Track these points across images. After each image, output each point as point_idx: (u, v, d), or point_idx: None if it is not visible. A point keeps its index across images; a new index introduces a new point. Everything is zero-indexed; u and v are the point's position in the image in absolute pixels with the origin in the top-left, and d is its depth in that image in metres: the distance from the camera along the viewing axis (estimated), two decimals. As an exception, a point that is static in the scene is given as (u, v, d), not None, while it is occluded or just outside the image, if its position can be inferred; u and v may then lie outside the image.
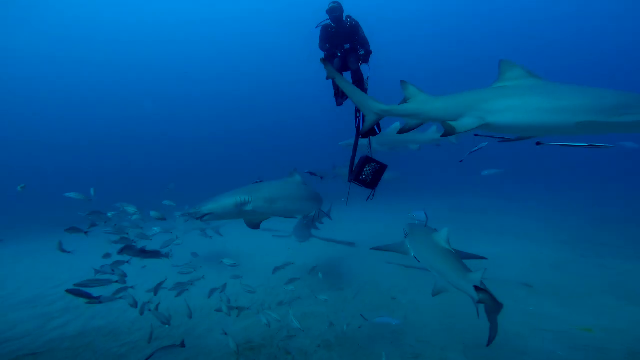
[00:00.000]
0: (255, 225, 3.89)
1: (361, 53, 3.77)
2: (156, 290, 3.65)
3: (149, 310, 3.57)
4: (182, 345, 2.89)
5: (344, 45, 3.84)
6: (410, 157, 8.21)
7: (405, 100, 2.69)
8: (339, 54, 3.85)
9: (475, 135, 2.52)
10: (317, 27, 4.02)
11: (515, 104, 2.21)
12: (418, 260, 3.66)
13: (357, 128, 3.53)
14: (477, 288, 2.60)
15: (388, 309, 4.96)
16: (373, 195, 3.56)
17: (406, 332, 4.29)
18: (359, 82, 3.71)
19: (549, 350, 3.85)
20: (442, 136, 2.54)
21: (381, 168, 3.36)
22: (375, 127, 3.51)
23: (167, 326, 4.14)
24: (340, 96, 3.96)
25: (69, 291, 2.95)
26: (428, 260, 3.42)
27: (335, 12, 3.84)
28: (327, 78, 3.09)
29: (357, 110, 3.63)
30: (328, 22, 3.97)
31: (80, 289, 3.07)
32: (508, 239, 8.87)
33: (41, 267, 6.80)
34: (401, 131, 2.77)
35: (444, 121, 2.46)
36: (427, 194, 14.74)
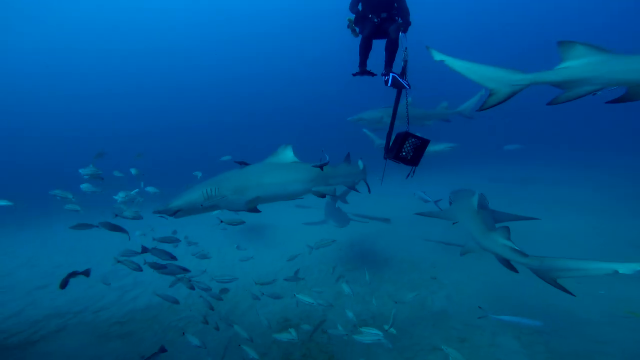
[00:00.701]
0: (252, 209, 3.49)
1: (399, 21, 3.38)
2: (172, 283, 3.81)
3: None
4: (163, 350, 3.00)
5: (380, 13, 3.43)
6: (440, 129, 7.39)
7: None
8: (376, 20, 3.44)
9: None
10: None
11: None
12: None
13: (395, 103, 3.18)
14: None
15: (428, 289, 4.73)
16: (414, 172, 3.21)
17: (450, 314, 4.06)
18: (393, 52, 3.34)
19: (632, 339, 3.32)
20: (613, 102, 2.13)
21: (423, 144, 3.00)
22: (404, 82, 3.09)
23: (215, 304, 4.49)
24: (363, 70, 3.55)
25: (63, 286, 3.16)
26: (462, 221, 3.58)
27: None
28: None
29: (385, 78, 3.21)
30: None
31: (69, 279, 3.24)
32: (570, 212, 7.74)
33: (112, 241, 7.76)
34: (552, 103, 2.30)
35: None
36: (463, 166, 13.48)
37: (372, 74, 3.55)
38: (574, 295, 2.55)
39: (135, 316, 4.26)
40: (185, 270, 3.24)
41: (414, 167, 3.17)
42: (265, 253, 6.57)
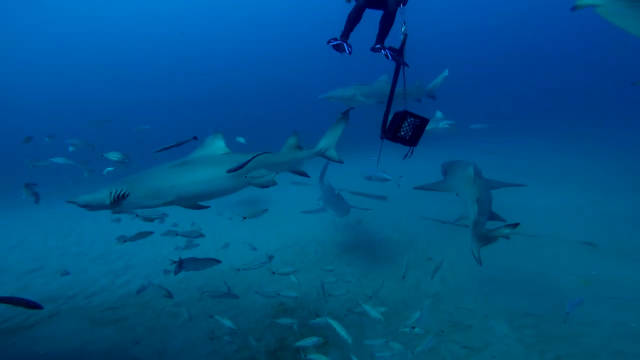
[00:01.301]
0: (193, 206, 3.16)
1: None
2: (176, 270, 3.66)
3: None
4: None
5: None
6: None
7: None
8: None
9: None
10: None
11: None
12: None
13: (394, 76, 2.94)
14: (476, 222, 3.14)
15: (423, 270, 4.73)
16: (411, 153, 3.08)
17: (443, 296, 4.08)
18: (389, 27, 3.14)
19: (618, 321, 3.37)
20: None
21: (422, 123, 2.88)
22: (401, 59, 2.87)
23: (210, 289, 4.50)
24: (343, 42, 3.31)
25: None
26: (459, 192, 3.79)
27: None
28: None
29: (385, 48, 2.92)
30: None
31: (14, 298, 3.05)
32: (569, 188, 7.64)
33: (104, 224, 7.67)
34: None
35: None
36: (455, 139, 13.13)
37: (349, 51, 3.28)
38: (481, 264, 3.00)
39: (127, 301, 4.25)
40: (217, 261, 3.10)
41: (412, 147, 3.02)
42: (260, 233, 6.51)
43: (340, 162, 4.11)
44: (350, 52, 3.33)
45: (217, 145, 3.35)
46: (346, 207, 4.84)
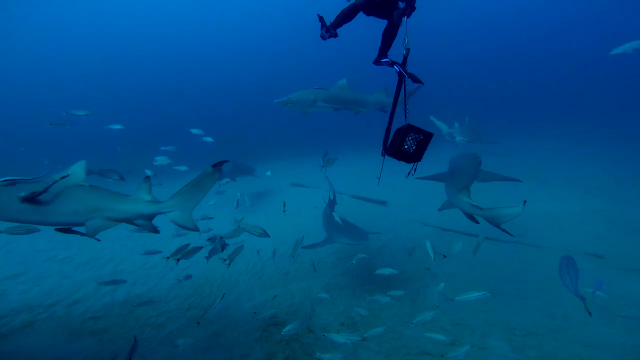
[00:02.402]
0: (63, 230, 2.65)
1: (401, 6, 3.13)
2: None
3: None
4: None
5: None
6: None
7: None
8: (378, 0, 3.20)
9: None
10: None
11: None
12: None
13: (397, 89, 2.80)
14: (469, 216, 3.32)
15: (420, 282, 4.54)
16: (415, 170, 2.95)
17: (440, 311, 3.89)
18: (391, 39, 3.15)
19: (630, 344, 3.17)
20: None
21: (426, 137, 2.69)
22: (405, 72, 2.74)
23: (200, 297, 4.31)
24: (331, 29, 3.38)
25: None
26: (445, 185, 3.89)
27: None
28: None
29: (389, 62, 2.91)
30: None
31: None
32: (574, 194, 7.43)
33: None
34: None
35: None
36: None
37: (334, 34, 3.39)
38: (513, 235, 3.16)
39: (111, 310, 4.05)
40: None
41: (415, 164, 2.86)
42: (254, 238, 6.29)
43: (193, 229, 2.73)
44: (335, 36, 3.41)
45: (77, 174, 2.74)
46: (363, 234, 4.66)
